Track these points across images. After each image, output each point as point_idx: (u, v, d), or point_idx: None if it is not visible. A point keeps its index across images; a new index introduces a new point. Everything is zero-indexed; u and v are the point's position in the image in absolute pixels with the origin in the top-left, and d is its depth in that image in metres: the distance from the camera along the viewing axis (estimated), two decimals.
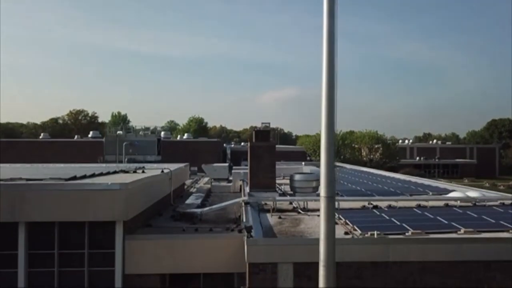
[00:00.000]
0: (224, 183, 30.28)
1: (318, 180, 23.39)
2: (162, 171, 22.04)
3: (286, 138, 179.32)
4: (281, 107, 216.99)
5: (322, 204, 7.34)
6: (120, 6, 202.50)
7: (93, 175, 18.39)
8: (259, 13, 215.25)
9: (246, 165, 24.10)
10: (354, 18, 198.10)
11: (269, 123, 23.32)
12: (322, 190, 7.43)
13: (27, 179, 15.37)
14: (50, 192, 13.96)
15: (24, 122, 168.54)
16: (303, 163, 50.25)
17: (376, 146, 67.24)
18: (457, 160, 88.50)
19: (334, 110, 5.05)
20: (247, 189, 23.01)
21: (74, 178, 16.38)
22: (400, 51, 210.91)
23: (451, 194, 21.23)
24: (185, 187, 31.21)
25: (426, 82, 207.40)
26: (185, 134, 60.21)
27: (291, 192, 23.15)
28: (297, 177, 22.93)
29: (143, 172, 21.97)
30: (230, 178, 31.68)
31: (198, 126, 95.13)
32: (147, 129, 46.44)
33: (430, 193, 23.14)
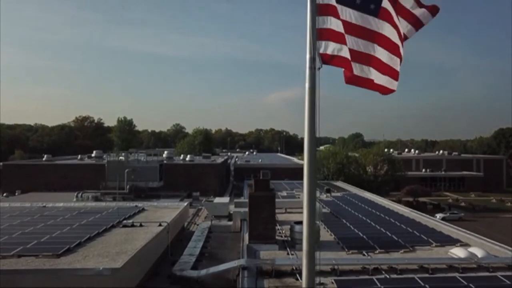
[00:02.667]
0: (224, 222, 29.96)
1: (318, 231, 23.14)
2: (160, 224, 21.80)
3: (292, 141, 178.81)
4: (288, 107, 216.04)
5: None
6: (125, 8, 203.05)
7: (88, 239, 18.17)
8: (266, 14, 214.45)
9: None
10: None
11: (268, 172, 23.02)
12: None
13: (19, 255, 15.17)
14: (43, 277, 13.75)
15: (32, 123, 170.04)
16: None
17: (381, 164, 66.66)
18: (464, 172, 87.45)
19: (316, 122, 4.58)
20: (247, 240, 22.70)
21: (68, 250, 16.15)
22: (405, 51, 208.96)
23: (454, 250, 20.71)
24: (186, 224, 30.95)
25: (432, 84, 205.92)
26: (188, 156, 59.92)
27: (288, 238, 22.81)
28: (297, 228, 22.53)
29: (141, 225, 21.75)
30: (231, 211, 31.42)
31: (204, 138, 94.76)
32: (149, 154, 46.22)
33: (433, 244, 22.63)
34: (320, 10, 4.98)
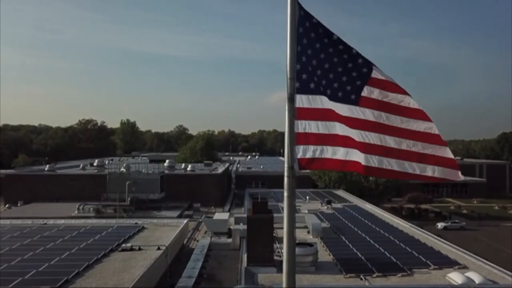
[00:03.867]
0: (224, 239, 30.05)
1: (315, 253, 23.21)
2: (159, 248, 21.91)
3: None
4: None
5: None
6: (126, 7, 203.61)
7: (87, 267, 18.30)
8: (268, 14, 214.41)
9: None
10: (361, 18, 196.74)
11: (266, 199, 23.17)
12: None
13: None
14: None
15: (37, 124, 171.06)
16: (306, 198, 49.62)
17: None
18: (467, 178, 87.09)
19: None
20: (245, 262, 22.79)
21: (66, 281, 16.28)
22: (409, 51, 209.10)
23: (452, 275, 20.71)
24: (185, 241, 31.04)
25: (436, 83, 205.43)
26: (189, 166, 60.08)
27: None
28: (296, 250, 22.65)
29: (139, 249, 21.87)
30: (231, 227, 31.50)
31: (205, 143, 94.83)
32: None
33: (431, 267, 22.66)
34: (299, 114, 5.06)
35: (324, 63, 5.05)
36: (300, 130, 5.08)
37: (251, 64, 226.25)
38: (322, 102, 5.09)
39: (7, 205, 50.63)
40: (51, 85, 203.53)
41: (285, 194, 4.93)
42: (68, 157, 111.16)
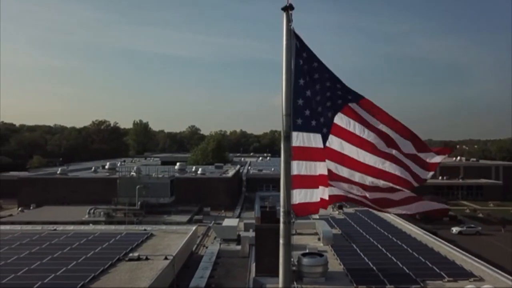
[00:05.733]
0: (233, 246, 29.72)
1: (325, 264, 22.72)
2: (166, 258, 21.66)
3: None
4: None
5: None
6: (141, 8, 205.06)
7: (93, 278, 18.14)
8: (276, 13, 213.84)
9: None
10: (373, 16, 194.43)
11: (275, 207, 22.74)
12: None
13: None
14: None
15: (52, 124, 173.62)
16: None
17: None
18: (482, 180, 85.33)
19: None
20: (253, 272, 22.45)
21: None
22: (420, 49, 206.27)
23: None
24: (194, 248, 30.78)
25: (449, 82, 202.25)
26: (200, 169, 59.85)
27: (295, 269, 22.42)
28: (304, 261, 22.18)
29: (146, 259, 21.67)
30: (240, 233, 31.15)
31: (217, 145, 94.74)
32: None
33: (446, 279, 22.00)
34: (296, 154, 4.66)
35: (321, 97, 4.64)
36: (295, 172, 4.67)
37: (263, 64, 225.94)
38: (316, 140, 4.68)
39: (20, 208, 51.14)
40: (67, 85, 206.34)
41: (281, 241, 4.53)
42: (82, 158, 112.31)
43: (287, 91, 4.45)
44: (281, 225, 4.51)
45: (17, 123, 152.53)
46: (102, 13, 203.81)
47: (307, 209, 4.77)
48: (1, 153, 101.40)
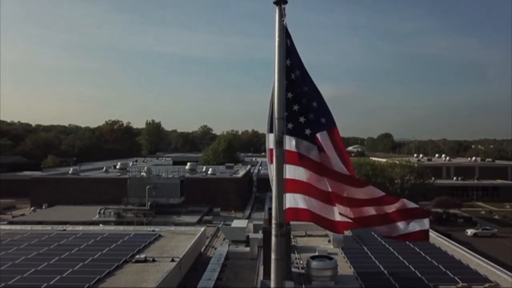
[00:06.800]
0: (242, 248, 29.42)
1: (335, 268, 22.23)
2: (173, 260, 21.45)
3: None
4: None
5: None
6: (157, 9, 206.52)
7: (98, 281, 18.00)
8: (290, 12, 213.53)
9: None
10: (382, 14, 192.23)
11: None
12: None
13: None
14: None
15: (67, 124, 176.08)
16: None
17: (408, 176, 64.41)
18: (498, 181, 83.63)
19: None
20: (261, 276, 22.07)
21: None
22: (432, 48, 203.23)
23: None
24: (203, 249, 30.56)
25: (465, 81, 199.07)
26: (210, 169, 59.77)
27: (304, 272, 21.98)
28: (313, 264, 21.72)
29: (153, 260, 21.50)
30: (249, 234, 30.83)
31: (228, 145, 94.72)
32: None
33: (459, 284, 21.32)
34: (289, 158, 4.29)
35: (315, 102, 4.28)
36: (288, 176, 4.31)
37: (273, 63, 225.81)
38: (310, 149, 4.32)
39: (32, 208, 51.71)
40: (82, 85, 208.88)
41: (273, 256, 4.15)
42: (95, 158, 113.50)
43: (280, 92, 4.09)
44: (273, 239, 4.13)
45: (33, 123, 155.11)
46: (121, 14, 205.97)
47: (299, 215, 4.42)
48: (17, 152, 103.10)
